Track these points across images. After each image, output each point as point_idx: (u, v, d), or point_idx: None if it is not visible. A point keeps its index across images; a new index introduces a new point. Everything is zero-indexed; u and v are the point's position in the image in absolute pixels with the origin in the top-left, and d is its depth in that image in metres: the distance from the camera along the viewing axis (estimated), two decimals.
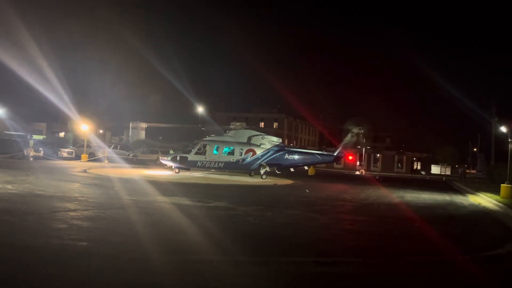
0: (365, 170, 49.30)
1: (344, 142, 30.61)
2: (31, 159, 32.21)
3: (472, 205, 19.14)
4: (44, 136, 59.90)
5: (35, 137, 45.44)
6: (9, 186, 15.28)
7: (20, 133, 38.88)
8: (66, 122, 65.42)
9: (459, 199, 21.73)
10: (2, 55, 37.85)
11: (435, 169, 68.59)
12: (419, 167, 69.75)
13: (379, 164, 63.21)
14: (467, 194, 24.56)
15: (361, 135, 32.69)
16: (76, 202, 12.69)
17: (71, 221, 9.70)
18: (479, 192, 24.18)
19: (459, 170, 53.30)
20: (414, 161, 70.14)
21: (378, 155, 65.98)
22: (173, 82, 55.88)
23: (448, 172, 65.48)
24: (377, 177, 38.90)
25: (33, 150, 33.48)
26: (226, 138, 28.80)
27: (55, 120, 71.62)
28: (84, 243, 7.77)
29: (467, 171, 58.90)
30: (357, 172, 46.20)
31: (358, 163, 50.19)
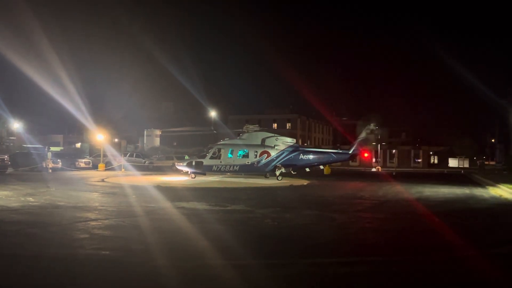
0: (382, 167, 48.86)
1: (359, 139, 30.38)
2: (50, 170, 32.77)
3: (493, 197, 18.81)
4: (61, 148, 60.95)
5: (53, 149, 46.25)
6: (31, 198, 15.60)
7: (38, 146, 39.59)
8: (81, 132, 66.51)
9: (479, 192, 21.38)
10: (19, 68, 38.73)
11: (452, 162, 67.56)
12: (436, 161, 68.82)
13: (395, 159, 62.54)
14: (487, 187, 24.13)
15: (376, 132, 32.43)
16: (97, 212, 12.88)
17: (92, 231, 9.86)
18: (499, 184, 23.74)
19: (478, 162, 52.42)
20: (431, 155, 69.24)
21: (394, 150, 65.30)
22: (185, 88, 56.34)
23: (466, 165, 64.42)
24: (394, 173, 38.52)
25: (52, 162, 34.04)
26: (240, 141, 28.89)
27: (71, 131, 72.92)
28: (107, 252, 7.89)
29: (486, 162, 57.90)
30: (373, 169, 45.82)
31: (374, 160, 49.78)
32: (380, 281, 6.51)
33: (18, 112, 54.55)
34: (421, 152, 65.41)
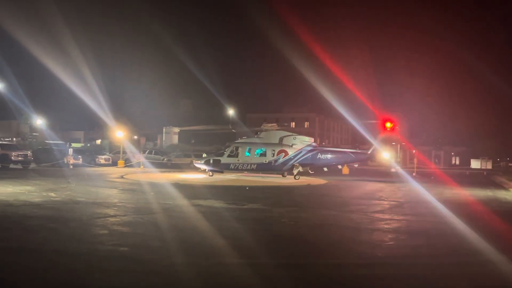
0: (402, 167, 48.14)
1: (378, 139, 30.01)
2: (71, 166, 33.42)
3: None
4: (82, 144, 62.14)
5: (74, 145, 47.22)
6: (52, 193, 15.93)
7: (60, 142, 40.44)
8: (102, 129, 67.58)
9: (502, 194, 20.86)
10: (42, 65, 39.62)
11: (474, 164, 66.10)
12: (457, 162, 67.50)
13: (415, 160, 61.58)
14: (511, 189, 23.52)
15: (396, 131, 31.94)
16: (115, 208, 13.07)
17: (111, 227, 10.01)
18: None
19: (501, 163, 51.14)
20: (452, 156, 67.94)
21: (414, 150, 64.30)
22: (204, 85, 56.65)
23: (489, 166, 62.95)
24: (414, 174, 37.91)
25: (72, 158, 34.71)
26: (257, 139, 28.88)
27: (91, 128, 74.16)
28: (126, 249, 7.99)
29: (510, 164, 56.44)
30: (393, 169, 45.19)
31: (393, 160, 49.05)
32: (397, 284, 6.41)
33: (41, 109, 55.76)
34: (442, 152, 64.25)
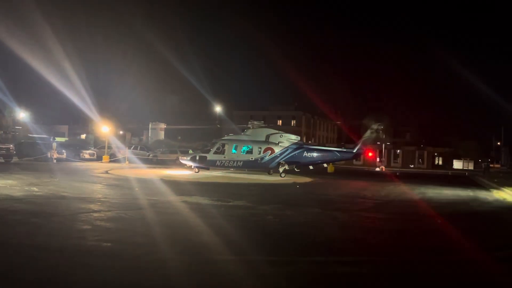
0: (385, 167, 48.73)
1: (363, 139, 30.30)
2: (55, 161, 32.96)
3: (497, 200, 18.71)
4: (66, 138, 61.24)
5: (58, 139, 46.49)
6: (34, 188, 15.69)
7: (43, 136, 39.82)
8: (87, 124, 66.73)
9: (483, 194, 21.27)
10: (25, 59, 38.90)
11: (457, 164, 67.24)
12: (440, 162, 68.55)
13: (399, 160, 62.38)
14: (491, 190, 24.00)
15: (381, 131, 32.31)
16: (99, 203, 12.94)
17: (95, 222, 9.92)
18: (504, 187, 23.59)
19: (483, 164, 52.15)
20: (435, 156, 68.96)
21: (398, 150, 65.08)
22: (190, 82, 56.35)
23: (471, 167, 64.10)
24: (397, 173, 38.41)
25: (56, 152, 34.23)
26: (244, 137, 28.88)
27: (76, 122, 73.10)
28: (108, 244, 7.92)
29: (491, 165, 57.58)
30: (377, 169, 45.71)
31: (378, 159, 49.65)
32: (379, 282, 6.50)
33: (25, 102, 54.84)
34: (425, 152, 65.15)
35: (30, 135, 43.29)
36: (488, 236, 10.48)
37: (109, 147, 41.45)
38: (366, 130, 30.68)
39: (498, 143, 73.24)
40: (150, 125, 68.15)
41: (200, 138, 56.29)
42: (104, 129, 41.75)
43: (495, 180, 28.89)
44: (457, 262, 7.75)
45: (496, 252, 8.51)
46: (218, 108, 61.69)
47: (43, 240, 7.95)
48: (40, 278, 5.90)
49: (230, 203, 14.00)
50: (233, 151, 27.45)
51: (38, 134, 41.29)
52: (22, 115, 54.43)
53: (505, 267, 7.55)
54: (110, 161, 37.35)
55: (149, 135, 67.62)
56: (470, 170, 58.71)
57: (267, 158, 27.57)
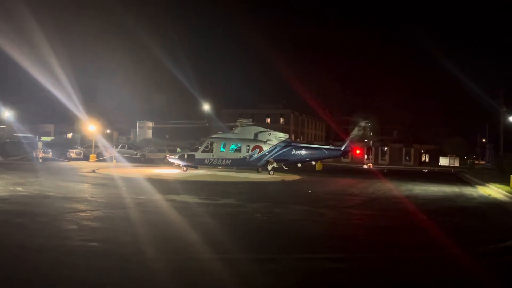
0: (373, 164, 49.11)
1: (351, 136, 30.50)
2: (40, 160, 32.49)
3: (482, 196, 19.01)
4: (52, 138, 60.41)
5: (44, 138, 45.88)
6: (19, 188, 15.46)
7: (29, 135, 39.23)
8: (73, 123, 65.86)
9: (468, 190, 21.59)
10: (10, 56, 38.22)
11: (443, 161, 68.02)
12: (427, 159, 69.32)
13: (386, 157, 62.89)
14: (476, 186, 24.37)
15: (368, 129, 32.54)
16: (86, 203, 12.81)
17: (81, 222, 9.81)
18: (488, 183, 23.97)
19: (468, 161, 52.90)
20: (422, 153, 69.71)
21: (386, 148, 65.62)
22: (178, 80, 56.07)
23: (456, 163, 64.92)
24: (385, 171, 38.75)
25: (42, 151, 33.76)
26: (232, 135, 28.84)
27: (62, 121, 72.15)
28: (95, 244, 7.84)
29: (476, 162, 58.45)
30: (365, 166, 46.04)
31: (365, 157, 50.04)
32: (365, 278, 6.56)
33: (9, 101, 53.88)
34: (412, 150, 65.81)
35: (15, 134, 42.60)
36: (473, 231, 10.64)
37: (96, 146, 41.01)
38: (354, 128, 30.88)
39: (483, 140, 74.35)
40: (137, 123, 67.62)
41: (188, 136, 56.08)
42: (91, 128, 41.25)
43: (480, 176, 29.35)
44: (442, 257, 7.84)
45: (480, 248, 8.64)
46: (206, 107, 61.51)
47: (27, 240, 7.83)
48: (24, 279, 5.81)
49: (219, 202, 13.97)
50: (222, 149, 27.40)
51: (23, 133, 40.67)
52: (7, 114, 53.51)
53: (489, 261, 7.67)
54: (97, 161, 36.97)
55: (137, 133, 67.07)
56: (456, 166, 59.51)
57: (255, 156, 27.58)
